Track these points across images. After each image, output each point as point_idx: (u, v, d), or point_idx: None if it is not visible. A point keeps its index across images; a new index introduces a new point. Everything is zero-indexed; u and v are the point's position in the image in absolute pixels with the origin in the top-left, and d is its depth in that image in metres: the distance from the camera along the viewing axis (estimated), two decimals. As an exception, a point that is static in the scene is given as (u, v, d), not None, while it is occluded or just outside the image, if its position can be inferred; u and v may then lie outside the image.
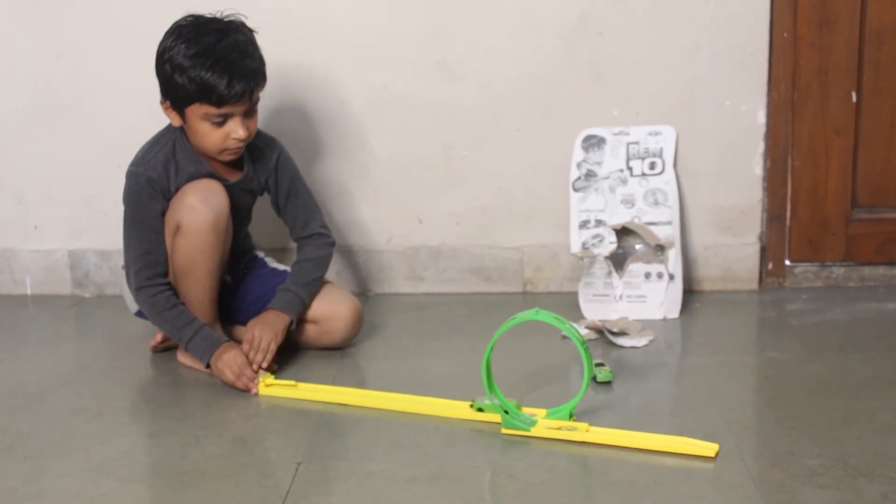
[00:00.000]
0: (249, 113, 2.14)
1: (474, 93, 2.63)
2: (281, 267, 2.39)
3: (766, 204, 2.65)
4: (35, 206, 2.76)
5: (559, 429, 1.84)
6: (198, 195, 2.13)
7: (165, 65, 2.09)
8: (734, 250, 2.67)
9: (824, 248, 2.67)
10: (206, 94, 2.07)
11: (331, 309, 2.27)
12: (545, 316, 1.83)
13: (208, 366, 2.14)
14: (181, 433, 1.90)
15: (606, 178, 2.60)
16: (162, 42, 2.12)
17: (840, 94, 2.59)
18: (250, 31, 2.16)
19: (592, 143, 2.61)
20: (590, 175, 2.61)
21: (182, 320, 2.15)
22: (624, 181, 2.59)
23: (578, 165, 2.61)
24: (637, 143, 2.60)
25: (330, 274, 2.51)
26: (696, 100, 2.60)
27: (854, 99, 2.59)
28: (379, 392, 2.05)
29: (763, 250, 2.68)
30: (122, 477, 1.74)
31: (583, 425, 1.83)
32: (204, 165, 2.17)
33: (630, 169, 2.59)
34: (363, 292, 2.72)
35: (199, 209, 2.12)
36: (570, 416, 1.85)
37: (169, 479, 1.74)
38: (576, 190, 2.61)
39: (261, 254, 2.41)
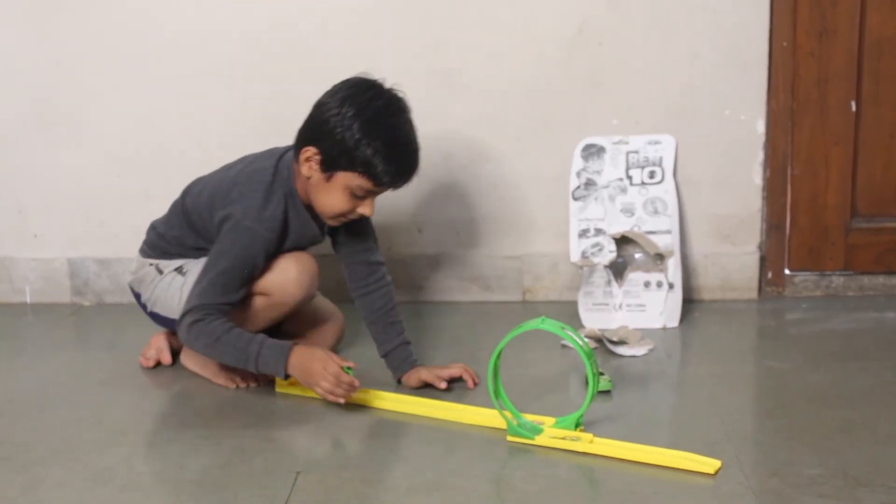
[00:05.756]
0: None
1: (474, 102, 2.63)
2: None
3: (766, 213, 2.66)
4: (35, 215, 2.76)
5: (564, 438, 1.83)
6: (300, 274, 2.12)
7: (345, 131, 1.99)
8: (734, 259, 2.67)
9: (824, 258, 2.67)
10: (372, 175, 2.02)
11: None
12: (551, 325, 1.82)
13: (287, 376, 2.04)
14: (180, 442, 1.90)
15: (606, 187, 2.60)
16: (338, 101, 2.03)
17: (839, 103, 2.59)
18: (411, 111, 2.10)
19: (592, 151, 2.61)
20: (589, 184, 2.61)
21: (244, 338, 2.03)
22: (623, 190, 2.59)
23: (578, 174, 2.61)
24: (636, 151, 2.60)
25: (330, 283, 2.50)
26: (696, 109, 2.60)
27: (853, 108, 2.59)
28: (395, 395, 2.06)
29: (762, 259, 2.68)
30: (120, 486, 1.73)
31: (587, 436, 1.83)
32: (311, 226, 2.14)
33: (630, 178, 2.60)
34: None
35: (294, 288, 2.12)
36: (577, 426, 1.85)
37: (167, 488, 1.74)
38: (575, 199, 2.61)
39: None
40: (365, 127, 1.99)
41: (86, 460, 1.83)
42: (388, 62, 2.61)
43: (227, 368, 2.16)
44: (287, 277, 2.11)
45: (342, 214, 2.09)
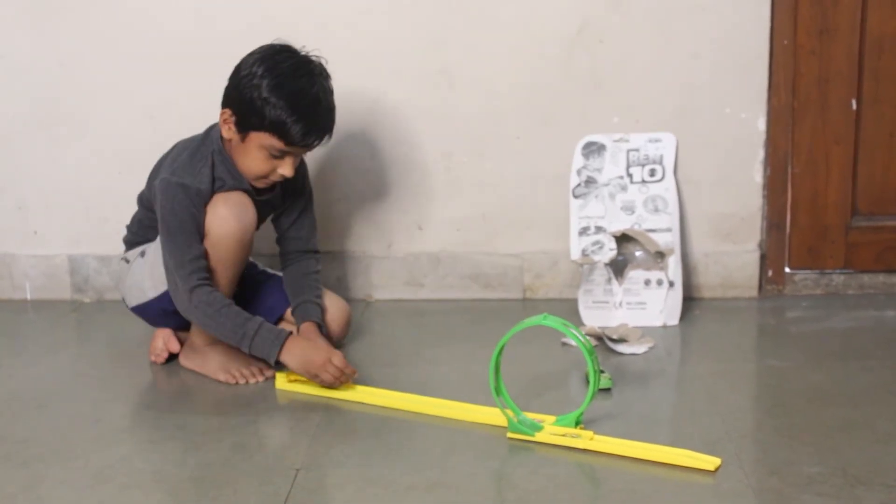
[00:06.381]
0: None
1: (474, 100, 2.63)
2: (270, 270, 2.40)
3: (766, 211, 2.66)
4: (35, 212, 2.76)
5: (564, 436, 1.84)
6: (230, 208, 2.13)
7: (252, 91, 2.07)
8: (734, 257, 2.67)
9: (824, 256, 2.67)
10: (282, 133, 2.07)
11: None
12: (553, 321, 1.83)
13: (277, 363, 2.11)
14: (180, 439, 1.90)
15: (606, 184, 2.60)
16: (249, 63, 2.10)
17: (840, 102, 2.59)
18: (329, 76, 2.16)
19: (592, 149, 2.61)
20: (590, 182, 2.61)
21: (242, 316, 2.11)
22: (624, 188, 2.59)
23: (578, 172, 2.61)
24: (637, 149, 2.60)
25: (331, 280, 2.52)
26: (697, 107, 2.60)
27: (854, 107, 2.59)
28: (395, 393, 2.06)
29: (763, 258, 2.68)
30: (120, 484, 1.74)
31: (588, 433, 1.83)
32: (243, 182, 2.17)
33: (630, 176, 2.60)
34: (364, 298, 2.72)
35: (229, 222, 2.12)
36: (577, 424, 1.85)
37: (168, 485, 1.74)
38: (576, 197, 2.61)
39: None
40: (272, 86, 2.07)
41: (86, 458, 1.83)
42: (388, 62, 2.63)
43: (226, 366, 2.17)
44: (216, 212, 2.13)
45: (264, 175, 2.15)
